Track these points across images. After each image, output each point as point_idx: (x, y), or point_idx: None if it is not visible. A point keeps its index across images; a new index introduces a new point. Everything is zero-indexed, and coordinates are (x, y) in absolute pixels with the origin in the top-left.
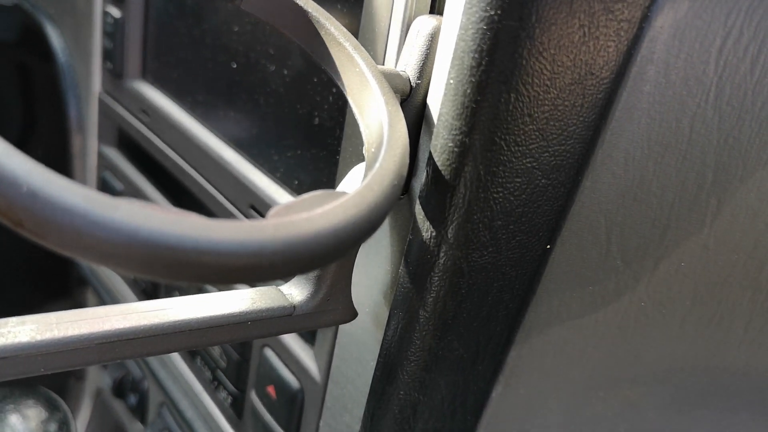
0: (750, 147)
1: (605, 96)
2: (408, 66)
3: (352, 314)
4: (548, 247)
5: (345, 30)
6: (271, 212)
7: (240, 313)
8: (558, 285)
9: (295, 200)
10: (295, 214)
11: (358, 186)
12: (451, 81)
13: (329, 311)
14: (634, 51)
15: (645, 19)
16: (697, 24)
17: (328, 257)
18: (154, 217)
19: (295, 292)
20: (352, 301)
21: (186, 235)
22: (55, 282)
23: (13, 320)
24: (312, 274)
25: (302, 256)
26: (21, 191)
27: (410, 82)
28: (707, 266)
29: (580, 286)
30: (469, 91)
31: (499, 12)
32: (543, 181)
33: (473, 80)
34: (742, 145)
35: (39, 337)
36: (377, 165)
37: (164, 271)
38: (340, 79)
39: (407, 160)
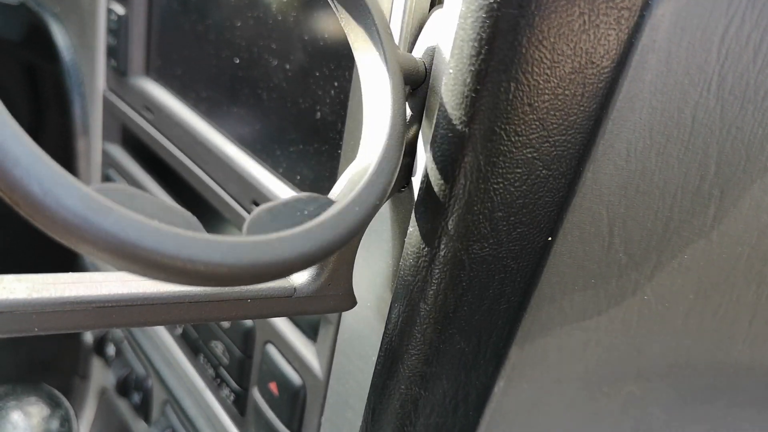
0: (753, 137)
1: (606, 85)
2: (425, 53)
3: (352, 302)
4: (550, 239)
5: (378, 5)
6: (251, 219)
7: (240, 289)
8: (560, 278)
9: (278, 205)
10: (274, 231)
11: (345, 194)
12: (451, 70)
13: (329, 296)
14: (635, 39)
15: (646, 7)
16: (699, 12)
17: (300, 269)
18: (142, 228)
19: (296, 274)
20: (352, 289)
21: (168, 252)
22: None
23: (9, 277)
24: None
25: (275, 272)
26: (33, 190)
27: (426, 69)
28: (711, 259)
29: (583, 279)
30: (468, 80)
31: (498, 0)
32: (544, 171)
33: (473, 69)
34: (745, 135)
35: (35, 295)
36: (366, 180)
37: (148, 273)
38: (356, 53)
39: (395, 176)
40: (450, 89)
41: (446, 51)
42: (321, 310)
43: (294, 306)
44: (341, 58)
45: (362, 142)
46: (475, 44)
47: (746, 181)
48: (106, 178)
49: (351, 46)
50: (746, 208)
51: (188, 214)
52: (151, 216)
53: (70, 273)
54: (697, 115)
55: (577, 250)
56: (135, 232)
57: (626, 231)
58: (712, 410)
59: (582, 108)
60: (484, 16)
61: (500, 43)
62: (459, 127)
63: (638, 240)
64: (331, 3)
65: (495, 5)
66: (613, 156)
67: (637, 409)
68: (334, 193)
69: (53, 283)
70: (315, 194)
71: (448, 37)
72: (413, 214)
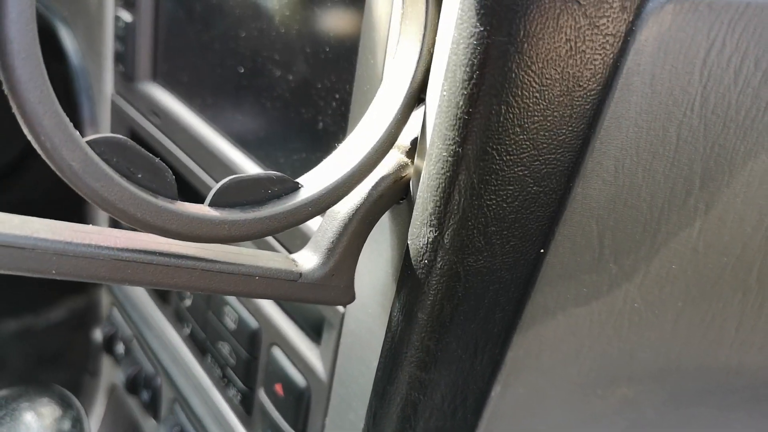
0: (735, 154)
1: (593, 106)
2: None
3: (352, 296)
4: (542, 251)
5: (435, 17)
6: (219, 188)
7: (251, 266)
8: (553, 287)
9: (246, 179)
10: (237, 203)
11: (313, 183)
12: (445, 93)
13: (332, 287)
14: (620, 63)
15: (630, 33)
16: (681, 37)
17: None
18: (123, 194)
19: (303, 261)
20: (353, 284)
21: (143, 218)
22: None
23: (32, 219)
24: (322, 248)
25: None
26: (49, 148)
27: None
28: (697, 269)
29: (575, 288)
30: (461, 103)
31: (488, 28)
32: (535, 188)
33: (465, 93)
34: (728, 152)
35: (57, 237)
36: (331, 184)
37: (127, 223)
38: (399, 45)
39: (357, 185)
40: (444, 111)
41: (437, 71)
42: (323, 299)
43: (298, 291)
44: (342, 72)
45: (355, 133)
46: (467, 69)
47: (730, 195)
48: None
49: (399, 35)
50: (730, 220)
51: (170, 174)
52: (137, 170)
53: (92, 225)
54: (682, 133)
55: (569, 261)
56: (118, 197)
57: (616, 242)
58: (704, 411)
59: (571, 128)
60: (475, 43)
61: (491, 69)
62: (453, 147)
63: (627, 251)
64: None
65: (485, 33)
66: (601, 172)
67: (631, 411)
68: (306, 178)
69: (74, 230)
70: (284, 176)
71: (440, 58)
72: (411, 228)
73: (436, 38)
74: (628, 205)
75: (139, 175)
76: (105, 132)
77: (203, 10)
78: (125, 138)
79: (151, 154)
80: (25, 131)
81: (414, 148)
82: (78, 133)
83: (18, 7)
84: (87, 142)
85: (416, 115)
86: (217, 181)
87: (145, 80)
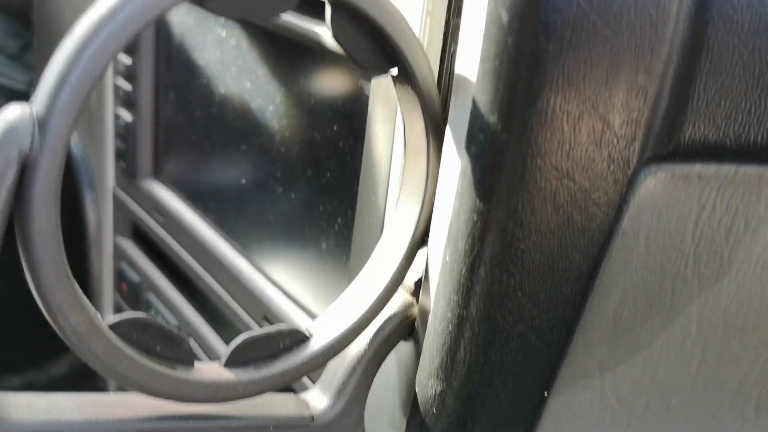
0: (729, 302)
1: (590, 268)
2: None
3: None
4: (546, 394)
5: (422, 178)
6: (233, 349)
7: (266, 417)
8: (557, 423)
9: (259, 337)
10: (251, 360)
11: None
12: (447, 259)
13: (343, 426)
14: (615, 229)
15: (624, 202)
16: (673, 203)
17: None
18: (143, 374)
19: (314, 402)
20: (363, 420)
21: (162, 392)
22: None
23: (60, 396)
24: (332, 389)
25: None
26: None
27: None
28: (696, 401)
29: (578, 424)
30: (464, 271)
31: (488, 204)
32: (537, 342)
33: (467, 262)
34: (722, 301)
35: (84, 416)
36: (331, 338)
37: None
38: (399, 202)
39: (357, 335)
40: (447, 275)
41: (443, 222)
42: None
43: None
44: (343, 199)
45: (359, 278)
46: (469, 240)
47: (726, 339)
48: (118, 272)
49: (400, 185)
50: (727, 360)
51: (186, 343)
52: (155, 343)
53: (112, 393)
54: (677, 286)
55: (572, 400)
56: (139, 376)
57: (617, 381)
58: None
59: (570, 287)
60: (475, 217)
61: (491, 241)
62: (457, 310)
63: (628, 388)
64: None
65: (485, 210)
66: (600, 323)
67: None
68: (315, 327)
69: (98, 403)
70: (294, 329)
71: (444, 212)
72: (418, 376)
73: (437, 190)
74: (628, 350)
75: (158, 348)
76: (107, 222)
77: (204, 117)
78: (144, 317)
79: (168, 327)
80: (51, 324)
81: (418, 288)
82: (100, 318)
83: (45, 220)
84: (110, 326)
85: (420, 254)
86: (224, 288)
87: (146, 178)
